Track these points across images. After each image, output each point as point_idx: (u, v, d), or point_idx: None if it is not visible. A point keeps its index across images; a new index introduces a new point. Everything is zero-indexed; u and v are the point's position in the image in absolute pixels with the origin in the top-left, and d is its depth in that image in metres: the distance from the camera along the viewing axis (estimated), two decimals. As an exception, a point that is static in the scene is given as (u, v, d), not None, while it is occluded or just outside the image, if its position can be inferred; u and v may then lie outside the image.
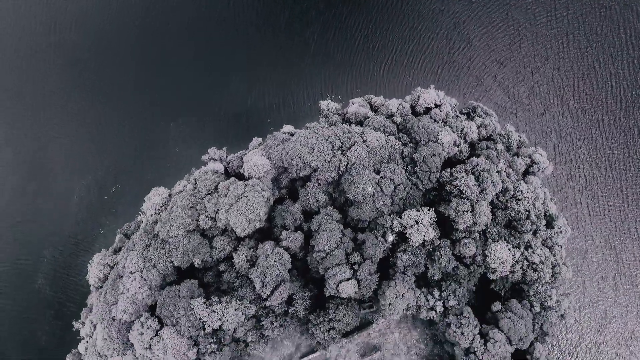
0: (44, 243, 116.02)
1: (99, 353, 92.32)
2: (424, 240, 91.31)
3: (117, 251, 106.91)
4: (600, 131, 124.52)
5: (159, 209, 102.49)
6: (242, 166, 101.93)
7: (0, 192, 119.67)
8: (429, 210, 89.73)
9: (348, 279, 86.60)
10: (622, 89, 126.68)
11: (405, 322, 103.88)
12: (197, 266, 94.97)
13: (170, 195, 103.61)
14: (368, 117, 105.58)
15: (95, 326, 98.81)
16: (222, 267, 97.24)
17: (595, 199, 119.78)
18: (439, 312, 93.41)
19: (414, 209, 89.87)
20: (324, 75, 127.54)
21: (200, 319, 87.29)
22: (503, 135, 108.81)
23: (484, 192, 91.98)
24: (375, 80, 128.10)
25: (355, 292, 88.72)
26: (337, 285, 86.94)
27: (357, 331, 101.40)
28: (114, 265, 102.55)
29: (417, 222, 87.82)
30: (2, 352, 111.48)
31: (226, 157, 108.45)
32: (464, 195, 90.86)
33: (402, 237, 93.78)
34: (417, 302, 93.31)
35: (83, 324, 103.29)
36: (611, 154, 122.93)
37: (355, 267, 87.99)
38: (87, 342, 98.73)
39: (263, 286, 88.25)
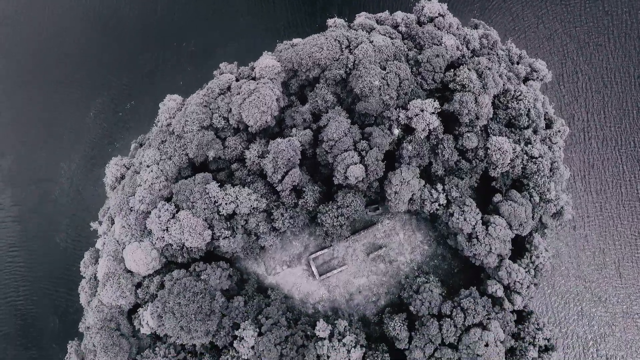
0: (60, 156, 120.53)
1: (117, 241, 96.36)
2: (429, 132, 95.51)
3: (132, 157, 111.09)
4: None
5: (173, 114, 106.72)
6: (253, 72, 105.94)
7: (15, 108, 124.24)
8: (433, 100, 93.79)
9: (356, 163, 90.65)
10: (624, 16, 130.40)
11: (409, 224, 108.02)
12: (211, 159, 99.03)
13: (184, 101, 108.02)
14: (374, 29, 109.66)
15: (112, 221, 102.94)
16: (234, 166, 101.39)
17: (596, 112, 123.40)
18: (442, 204, 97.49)
19: (419, 99, 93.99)
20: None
21: (215, 202, 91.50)
22: (504, 49, 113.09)
23: (486, 88, 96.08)
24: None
25: (363, 179, 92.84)
26: (346, 170, 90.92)
27: (363, 229, 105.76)
28: (130, 166, 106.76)
29: (422, 110, 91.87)
30: (26, 260, 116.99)
31: (237, 70, 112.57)
32: (466, 89, 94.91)
33: (407, 132, 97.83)
34: (421, 196, 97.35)
35: (100, 223, 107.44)
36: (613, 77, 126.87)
37: (363, 153, 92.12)
38: (105, 238, 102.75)
39: (274, 172, 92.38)
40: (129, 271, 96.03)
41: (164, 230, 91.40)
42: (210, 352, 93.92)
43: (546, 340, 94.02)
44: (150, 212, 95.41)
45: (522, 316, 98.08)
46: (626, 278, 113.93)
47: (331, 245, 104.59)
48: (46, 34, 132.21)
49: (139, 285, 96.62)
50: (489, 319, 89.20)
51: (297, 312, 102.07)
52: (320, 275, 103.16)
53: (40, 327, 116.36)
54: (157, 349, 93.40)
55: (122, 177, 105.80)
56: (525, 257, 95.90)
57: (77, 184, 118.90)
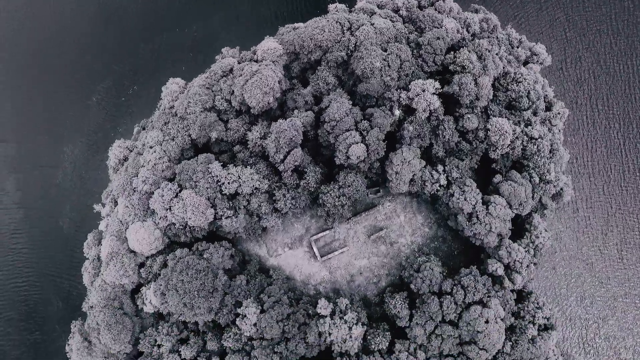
0: (63, 142, 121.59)
1: (120, 221, 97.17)
2: (430, 113, 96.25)
3: (136, 140, 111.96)
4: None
5: (176, 96, 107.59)
6: (255, 55, 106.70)
7: (18, 94, 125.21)
8: (434, 80, 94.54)
9: (357, 143, 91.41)
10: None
11: (410, 206, 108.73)
12: (213, 141, 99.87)
13: (186, 85, 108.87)
14: (375, 12, 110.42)
15: (115, 203, 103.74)
16: (236, 149, 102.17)
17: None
18: (443, 185, 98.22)
19: (420, 79, 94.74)
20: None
21: (217, 181, 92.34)
22: (504, 33, 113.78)
23: (486, 69, 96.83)
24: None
25: (364, 159, 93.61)
26: (347, 150, 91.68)
27: (364, 211, 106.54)
28: (133, 149, 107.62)
29: (423, 90, 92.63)
30: (29, 244, 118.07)
31: (239, 54, 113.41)
32: (466, 71, 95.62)
33: (408, 113, 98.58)
34: (422, 177, 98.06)
35: (103, 205, 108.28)
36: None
37: (364, 133, 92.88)
38: (108, 219, 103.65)
39: (276, 152, 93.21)
40: (132, 251, 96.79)
41: (167, 209, 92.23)
42: (213, 331, 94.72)
43: (546, 320, 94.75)
44: (153, 192, 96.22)
45: (522, 296, 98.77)
46: (627, 261, 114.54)
47: (332, 228, 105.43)
48: (49, 20, 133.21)
49: (141, 265, 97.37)
50: (489, 297, 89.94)
51: (298, 292, 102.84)
52: (321, 257, 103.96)
53: (44, 310, 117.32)
54: (160, 327, 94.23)
55: (125, 159, 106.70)
56: (525, 237, 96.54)
57: (80, 168, 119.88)
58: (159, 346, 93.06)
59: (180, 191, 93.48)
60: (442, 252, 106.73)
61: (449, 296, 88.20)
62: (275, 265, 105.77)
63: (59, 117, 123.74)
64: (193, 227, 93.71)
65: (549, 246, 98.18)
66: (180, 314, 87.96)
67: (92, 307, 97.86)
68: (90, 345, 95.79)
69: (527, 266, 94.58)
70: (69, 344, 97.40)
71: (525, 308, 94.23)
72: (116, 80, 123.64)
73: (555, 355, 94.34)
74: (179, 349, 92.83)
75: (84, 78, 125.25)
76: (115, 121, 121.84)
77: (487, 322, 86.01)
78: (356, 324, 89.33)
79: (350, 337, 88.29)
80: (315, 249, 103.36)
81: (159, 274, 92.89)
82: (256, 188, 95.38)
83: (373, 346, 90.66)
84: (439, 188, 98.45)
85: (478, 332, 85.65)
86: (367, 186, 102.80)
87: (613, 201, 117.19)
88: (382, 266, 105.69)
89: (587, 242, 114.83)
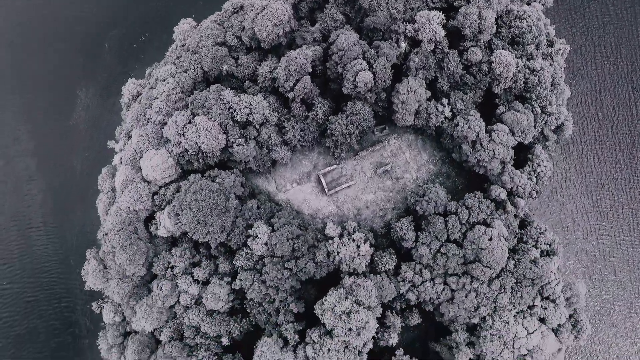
0: (77, 84, 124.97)
1: (135, 150, 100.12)
2: (435, 45, 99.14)
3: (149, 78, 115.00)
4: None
5: (187, 35, 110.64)
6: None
7: (32, 42, 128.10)
8: (439, 11, 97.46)
9: (365, 69, 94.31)
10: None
11: (415, 144, 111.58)
12: (225, 74, 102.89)
13: (197, 25, 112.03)
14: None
15: (129, 137, 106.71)
16: (246, 84, 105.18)
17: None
18: (448, 117, 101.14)
19: (425, 10, 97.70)
20: None
21: (230, 107, 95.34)
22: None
23: (489, 3, 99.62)
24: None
25: (371, 88, 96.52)
26: (355, 78, 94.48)
27: (370, 147, 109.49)
28: (146, 86, 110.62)
29: (428, 20, 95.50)
30: (44, 188, 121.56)
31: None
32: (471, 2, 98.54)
33: (414, 46, 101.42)
34: (427, 109, 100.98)
35: (117, 141, 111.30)
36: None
37: (372, 61, 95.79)
38: (122, 153, 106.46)
39: (286, 80, 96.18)
40: (146, 180, 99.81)
41: (180, 134, 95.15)
42: (225, 255, 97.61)
43: (548, 246, 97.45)
44: (166, 122, 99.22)
45: (525, 224, 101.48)
46: (636, 197, 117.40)
47: (339, 163, 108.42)
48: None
49: (155, 194, 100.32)
50: (492, 218, 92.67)
51: (307, 224, 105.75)
52: (329, 190, 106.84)
53: (61, 247, 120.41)
54: (173, 251, 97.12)
55: (139, 94, 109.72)
56: (527, 165, 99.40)
57: (93, 110, 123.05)
58: (172, 268, 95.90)
59: (193, 118, 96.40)
60: (446, 187, 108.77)
61: (454, 215, 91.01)
62: (284, 199, 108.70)
63: (72, 63, 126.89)
64: (206, 153, 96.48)
65: (550, 175, 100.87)
66: (194, 232, 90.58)
67: (106, 233, 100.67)
68: (105, 270, 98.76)
69: (529, 193, 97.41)
70: (84, 269, 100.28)
71: (528, 233, 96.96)
72: (128, 28, 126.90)
73: (556, 279, 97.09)
74: (192, 271, 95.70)
75: (96, 26, 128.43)
76: (127, 66, 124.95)
77: (490, 239, 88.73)
78: (364, 242, 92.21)
79: (359, 255, 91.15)
80: (323, 182, 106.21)
81: (173, 199, 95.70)
82: (266, 118, 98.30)
83: (380, 267, 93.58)
84: (443, 120, 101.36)
85: (482, 249, 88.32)
86: (373, 124, 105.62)
87: (622, 141, 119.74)
88: (388, 200, 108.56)
89: (594, 180, 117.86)
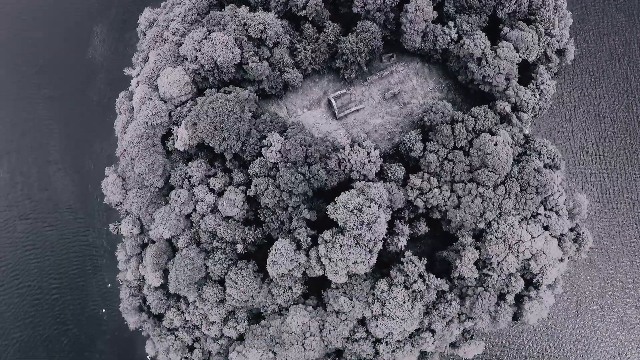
0: (92, 21, 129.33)
1: (152, 69, 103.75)
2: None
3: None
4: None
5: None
6: None
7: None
8: None
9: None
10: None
11: (422, 72, 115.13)
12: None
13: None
14: None
15: (146, 60, 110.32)
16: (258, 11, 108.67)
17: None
18: (454, 39, 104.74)
19: None
20: None
21: (244, 24, 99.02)
22: None
23: None
24: None
25: (380, 6, 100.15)
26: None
27: (378, 72, 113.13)
28: (161, 13, 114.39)
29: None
30: (62, 114, 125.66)
31: None
32: None
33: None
34: (434, 32, 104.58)
35: (134, 67, 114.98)
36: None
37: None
38: (138, 78, 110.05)
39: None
40: (163, 100, 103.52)
41: (197, 50, 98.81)
42: (239, 168, 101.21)
43: (550, 160, 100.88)
44: (182, 43, 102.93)
45: (529, 141, 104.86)
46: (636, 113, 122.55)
47: (349, 89, 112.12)
48: None
49: (172, 112, 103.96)
50: (498, 128, 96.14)
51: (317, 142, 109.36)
52: (339, 113, 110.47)
53: (76, 177, 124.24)
54: (189, 163, 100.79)
55: (154, 20, 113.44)
56: (531, 83, 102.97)
57: (109, 44, 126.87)
58: (189, 178, 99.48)
59: (209, 35, 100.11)
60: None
61: (461, 122, 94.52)
62: (296, 122, 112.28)
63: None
64: (221, 68, 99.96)
65: (553, 93, 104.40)
66: (211, 139, 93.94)
67: (125, 149, 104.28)
68: (124, 182, 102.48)
69: (533, 108, 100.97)
70: (103, 184, 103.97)
71: (532, 146, 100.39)
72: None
73: (559, 192, 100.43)
74: (208, 182, 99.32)
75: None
76: (143, 2, 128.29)
77: (496, 144, 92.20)
78: (374, 149, 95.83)
79: (369, 161, 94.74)
80: (334, 104, 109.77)
81: (190, 112, 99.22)
82: (279, 38, 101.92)
83: (390, 175, 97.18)
84: (450, 41, 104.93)
85: (487, 154, 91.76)
86: (382, 46, 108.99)
87: (630, 68, 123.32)
88: (396, 124, 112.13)
89: (605, 105, 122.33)
